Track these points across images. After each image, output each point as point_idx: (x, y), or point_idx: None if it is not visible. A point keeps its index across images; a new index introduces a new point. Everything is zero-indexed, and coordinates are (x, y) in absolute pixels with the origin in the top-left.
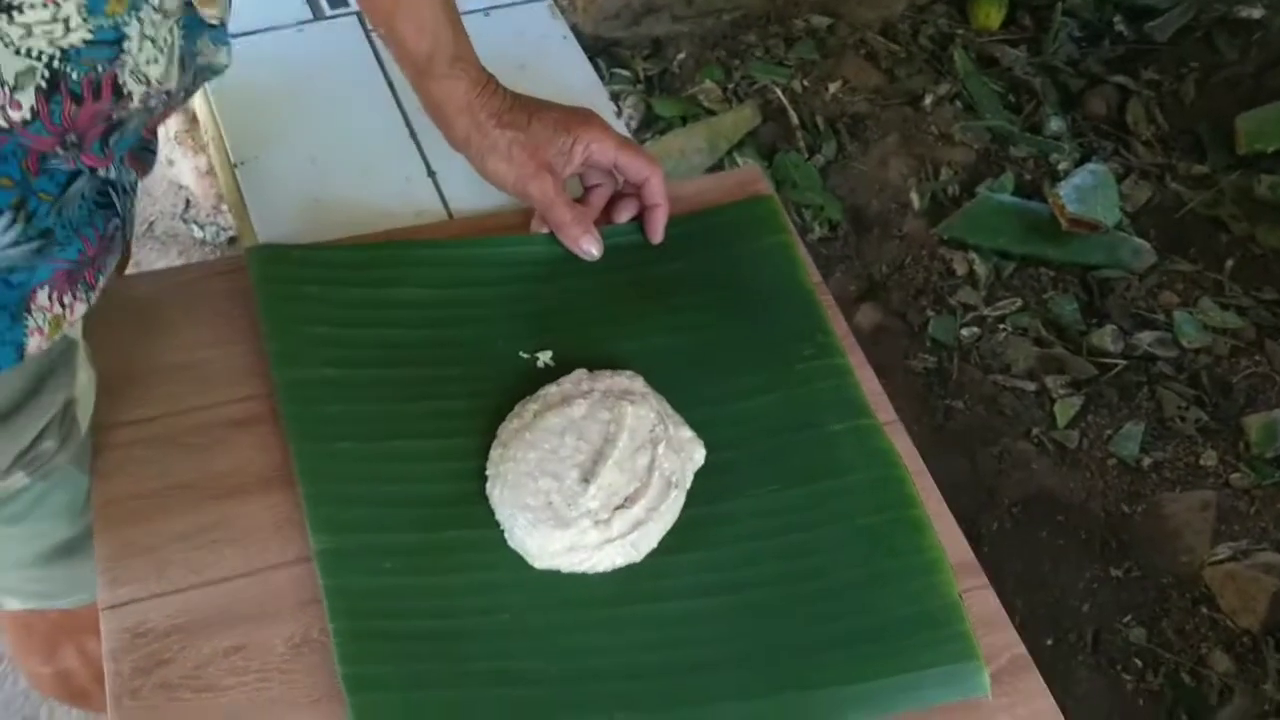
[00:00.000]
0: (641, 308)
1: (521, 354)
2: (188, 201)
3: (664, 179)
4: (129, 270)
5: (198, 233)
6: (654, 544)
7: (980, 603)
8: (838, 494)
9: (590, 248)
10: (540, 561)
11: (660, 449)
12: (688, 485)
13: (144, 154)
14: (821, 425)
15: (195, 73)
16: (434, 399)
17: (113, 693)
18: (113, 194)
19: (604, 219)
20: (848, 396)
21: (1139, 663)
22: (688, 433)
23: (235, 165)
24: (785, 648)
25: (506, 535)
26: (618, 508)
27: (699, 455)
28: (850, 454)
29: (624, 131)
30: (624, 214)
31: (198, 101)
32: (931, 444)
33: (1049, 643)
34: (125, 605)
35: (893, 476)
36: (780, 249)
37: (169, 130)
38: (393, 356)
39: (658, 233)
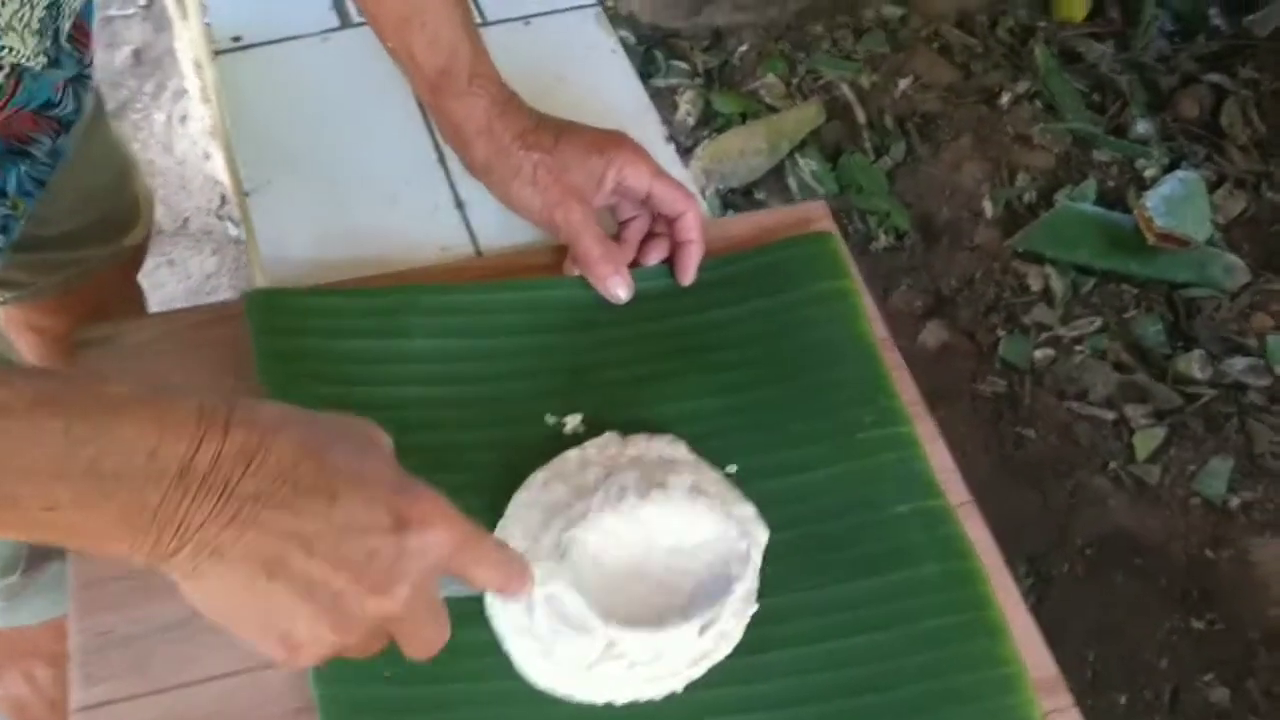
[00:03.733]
0: (683, 363)
1: (548, 417)
2: (223, 197)
3: (700, 215)
4: (144, 282)
5: (232, 230)
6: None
7: None
8: (903, 590)
9: (618, 290)
10: (542, 683)
11: None
12: None
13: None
14: (884, 506)
15: None
16: (447, 470)
17: None
18: None
19: (635, 260)
20: (913, 472)
21: None
22: (749, 509)
23: (246, 194)
24: None
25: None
26: None
27: (762, 538)
28: (917, 541)
29: (669, 157)
30: (654, 255)
31: (216, 113)
32: (999, 476)
33: (1122, 700)
34: (101, 706)
35: (965, 570)
36: (840, 296)
37: (205, 124)
38: (404, 419)
39: (688, 273)
